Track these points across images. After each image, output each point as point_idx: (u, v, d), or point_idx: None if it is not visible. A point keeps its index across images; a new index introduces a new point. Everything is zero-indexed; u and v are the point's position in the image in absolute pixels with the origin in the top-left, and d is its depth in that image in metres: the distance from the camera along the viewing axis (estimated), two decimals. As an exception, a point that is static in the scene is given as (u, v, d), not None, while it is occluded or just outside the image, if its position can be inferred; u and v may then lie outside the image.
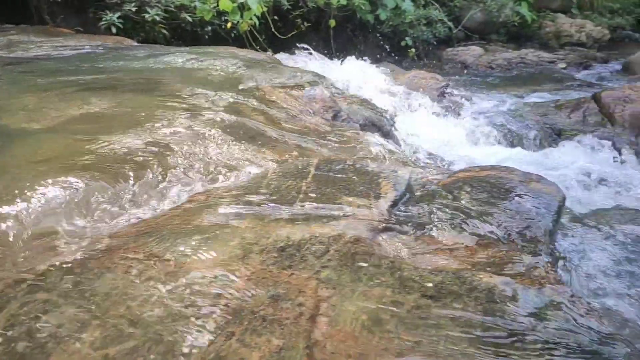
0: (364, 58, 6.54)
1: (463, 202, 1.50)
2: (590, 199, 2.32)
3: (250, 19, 5.38)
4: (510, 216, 1.45)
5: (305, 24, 6.64)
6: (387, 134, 2.90)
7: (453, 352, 0.90)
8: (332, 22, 6.58)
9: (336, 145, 1.96)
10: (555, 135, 3.53)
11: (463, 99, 4.13)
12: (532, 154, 3.15)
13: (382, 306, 1.01)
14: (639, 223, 1.84)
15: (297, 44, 5.53)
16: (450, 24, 7.62)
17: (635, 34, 8.79)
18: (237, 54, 3.58)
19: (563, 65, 7.40)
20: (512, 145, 3.27)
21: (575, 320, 0.97)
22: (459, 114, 3.66)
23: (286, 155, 1.79)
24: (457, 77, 6.89)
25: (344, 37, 7.42)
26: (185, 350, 0.88)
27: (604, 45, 8.07)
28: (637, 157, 3.74)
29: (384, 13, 6.59)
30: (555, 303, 1.00)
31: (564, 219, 1.81)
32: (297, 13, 6.58)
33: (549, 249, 1.35)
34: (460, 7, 7.76)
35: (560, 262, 1.36)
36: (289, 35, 5.87)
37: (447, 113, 3.62)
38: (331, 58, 5.28)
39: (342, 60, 4.86)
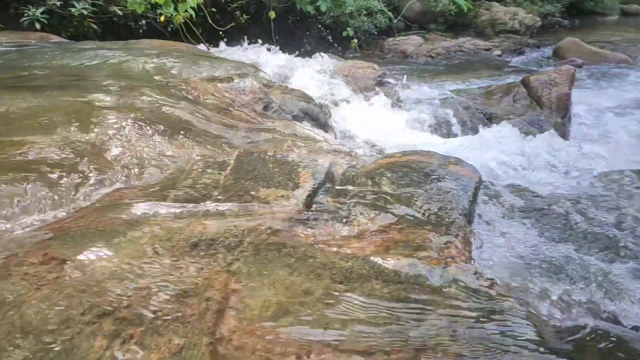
0: (306, 49, 6.53)
1: (383, 187, 1.52)
2: (514, 180, 2.42)
3: (186, 11, 5.22)
4: (428, 199, 1.48)
5: (245, 16, 6.54)
6: (322, 124, 2.91)
7: (359, 336, 0.91)
8: (272, 14, 6.50)
9: (263, 137, 1.94)
10: (486, 120, 3.65)
11: (400, 88, 4.19)
12: (464, 138, 3.24)
13: (292, 296, 1.00)
14: (557, 202, 1.92)
15: (240, 37, 5.42)
16: (390, 14, 7.72)
17: (565, 20, 9.24)
18: (169, 47, 3.47)
19: (498, 52, 7.67)
20: (445, 131, 3.36)
21: (476, 294, 1.00)
22: (395, 102, 3.72)
23: (209, 149, 1.75)
24: (398, 66, 7.01)
25: (286, 29, 7.36)
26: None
27: (536, 31, 8.43)
28: (563, 137, 3.94)
29: (324, 4, 6.58)
30: (458, 280, 1.03)
31: (486, 199, 1.87)
32: (236, 5, 6.47)
33: (464, 228, 1.39)
34: (399, -3, 7.88)
35: (476, 241, 1.40)
36: (226, 27, 5.75)
37: (384, 101, 3.66)
38: (273, 50, 5.23)
39: (281, 52, 4.80)
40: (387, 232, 1.28)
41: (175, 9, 5.23)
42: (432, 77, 6.18)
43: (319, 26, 7.22)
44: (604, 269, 1.51)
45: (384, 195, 1.46)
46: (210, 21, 5.68)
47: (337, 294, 1.00)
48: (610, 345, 1.01)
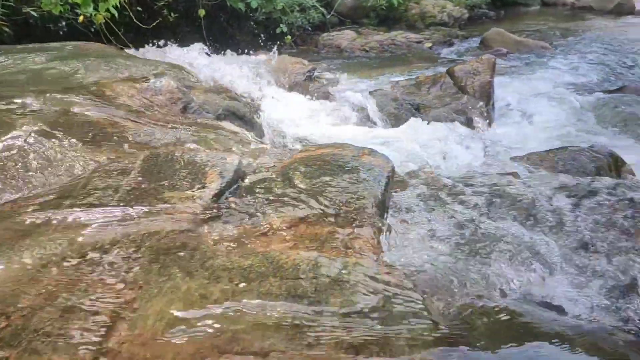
0: (239, 47, 6.42)
1: (296, 182, 1.51)
2: (436, 166, 2.48)
3: (107, 10, 4.99)
4: (340, 191, 1.48)
5: (173, 14, 6.34)
6: (248, 122, 2.86)
7: (254, 337, 0.89)
8: (202, 12, 6.34)
9: (176, 137, 1.88)
10: (414, 110, 3.74)
11: (331, 82, 4.22)
12: (392, 129, 3.30)
13: (188, 302, 0.97)
14: (471, 185, 1.98)
15: (170, 37, 5.24)
16: (322, 9, 7.74)
17: (490, 12, 9.63)
18: (85, 49, 3.30)
19: (429, 44, 7.88)
20: (373, 122, 3.41)
21: (374, 282, 1.01)
22: (326, 97, 3.73)
23: (116, 152, 1.67)
24: (333, 61, 7.05)
25: (218, 27, 7.21)
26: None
27: (464, 23, 8.73)
28: (488, 123, 4.11)
29: (254, 1, 6.50)
30: (357, 270, 1.03)
31: (404, 186, 1.90)
32: (163, 3, 6.25)
33: (375, 218, 1.41)
34: (332, -7, 7.92)
35: (388, 229, 1.42)
36: (151, 26, 5.55)
37: (313, 96, 3.67)
38: (203, 49, 5.10)
39: (212, 51, 4.69)
40: (296, 227, 1.27)
41: (96, 8, 4.99)
42: (366, 71, 6.26)
43: (252, 23, 7.13)
44: (514, 247, 1.57)
45: (295, 190, 1.45)
46: (135, 20, 5.46)
47: (233, 295, 0.97)
48: (500, 321, 1.05)
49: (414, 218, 1.61)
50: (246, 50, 5.87)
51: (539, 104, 4.73)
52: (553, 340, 1.07)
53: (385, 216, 1.53)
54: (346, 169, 1.59)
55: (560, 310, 1.24)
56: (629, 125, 4.07)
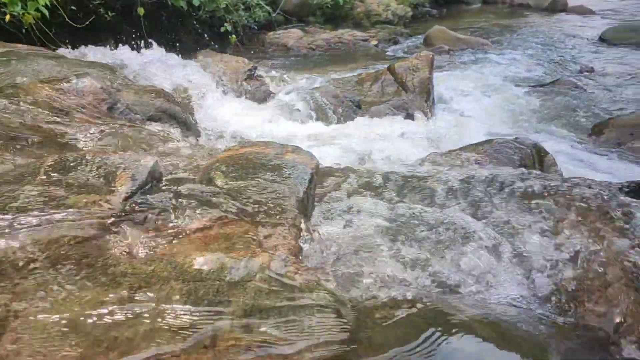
0: (183, 47, 6.26)
1: (216, 182, 1.48)
2: (370, 162, 2.51)
3: (37, 10, 4.74)
4: (260, 190, 1.46)
5: (110, 13, 6.11)
6: (182, 123, 2.79)
7: (149, 344, 0.86)
8: (141, 11, 6.15)
9: (96, 139, 1.80)
10: (355, 107, 3.77)
11: (274, 80, 4.19)
12: (333, 126, 3.31)
13: (82, 311, 0.92)
14: (402, 183, 1.98)
15: (109, 37, 5.05)
16: (268, 8, 7.68)
17: (434, 10, 9.87)
18: (5, 49, 3.12)
19: (375, 42, 7.98)
20: (313, 120, 3.41)
21: (280, 280, 1.00)
22: (266, 95, 3.70)
23: (26, 157, 1.58)
24: (280, 59, 7.02)
25: (160, 26, 7.02)
26: None
27: (408, 21, 8.91)
28: (427, 118, 4.20)
29: (196, -2, 6.36)
30: (264, 270, 1.02)
31: (336, 182, 1.90)
32: (99, 2, 6.01)
33: (295, 216, 1.40)
34: (276, -9, 7.87)
35: (310, 227, 1.42)
36: (84, 25, 5.33)
37: (254, 95, 3.64)
38: (142, 49, 4.94)
39: (151, 50, 4.55)
40: (209, 228, 1.24)
41: (25, 7, 4.73)
42: (312, 69, 6.26)
43: (195, 22, 6.98)
44: (435, 237, 1.59)
45: (214, 191, 1.42)
46: (68, 20, 5.22)
47: (132, 302, 0.94)
48: (411, 312, 1.06)
49: (339, 214, 1.61)
50: (189, 50, 5.74)
51: (477, 99, 4.89)
52: (461, 328, 1.09)
53: (308, 213, 1.53)
54: (268, 167, 1.57)
55: (472, 295, 1.28)
56: (558, 118, 4.27)
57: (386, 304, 1.11)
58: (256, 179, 1.50)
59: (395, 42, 8.13)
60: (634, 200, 1.57)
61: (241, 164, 1.58)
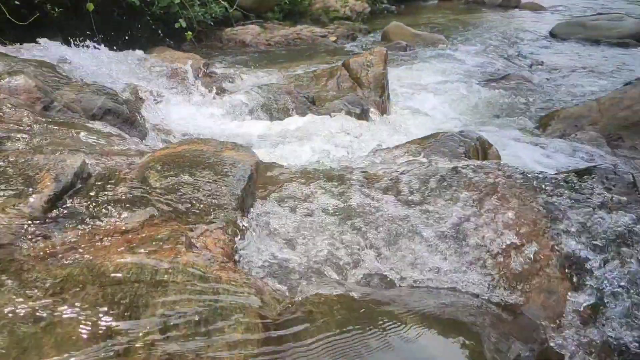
0: (138, 44, 6.08)
1: (150, 182, 1.44)
2: (320, 159, 2.49)
3: (-25, 5, 4.51)
4: (196, 189, 1.43)
5: (58, 9, 5.88)
6: (128, 121, 2.71)
7: (59, 351, 0.82)
8: (90, 6, 5.94)
9: (24, 139, 1.72)
10: (309, 103, 3.75)
11: (227, 77, 4.13)
12: (284, 122, 3.28)
13: (-10, 319, 0.87)
14: (346, 178, 1.96)
15: (57, 34, 4.84)
16: (225, 3, 7.55)
17: (392, 6, 9.96)
18: None
19: (334, 38, 7.98)
20: (268, 117, 3.37)
21: (205, 278, 0.97)
22: (218, 92, 3.63)
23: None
24: (237, 56, 6.92)
25: (112, 23, 6.80)
26: None
27: (366, 17, 8.95)
28: (382, 113, 4.23)
29: (148, -6, 6.19)
30: (188, 269, 0.99)
31: (279, 179, 1.87)
32: (44, -3, 5.77)
33: (230, 214, 1.37)
34: (234, -14, 7.75)
35: (245, 225, 1.39)
36: (27, 22, 5.10)
37: (206, 92, 3.57)
38: (91, 46, 4.77)
39: (102, 48, 4.38)
40: (137, 230, 1.20)
41: (-39, 2, 4.49)
42: (270, 65, 6.20)
43: (148, 19, 6.79)
44: (374, 230, 1.59)
45: (147, 190, 1.37)
46: (9, 16, 4.99)
47: (44, 308, 0.89)
48: (341, 307, 1.06)
49: (278, 210, 1.59)
50: (143, 47, 5.58)
51: (432, 93, 4.96)
52: (393, 319, 1.10)
53: (246, 210, 1.50)
54: (206, 165, 1.54)
55: (407, 286, 1.29)
56: (508, 111, 4.39)
57: (318, 298, 1.10)
58: (192, 177, 1.47)
59: (354, 38, 8.15)
60: (566, 189, 1.61)
61: (178, 162, 1.54)
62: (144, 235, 1.16)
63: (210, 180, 1.47)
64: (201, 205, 1.37)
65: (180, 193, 1.39)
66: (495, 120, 4.15)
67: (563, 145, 3.30)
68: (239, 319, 0.89)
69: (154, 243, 1.12)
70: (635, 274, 1.30)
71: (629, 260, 1.33)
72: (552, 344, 1.22)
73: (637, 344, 1.20)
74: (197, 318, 0.88)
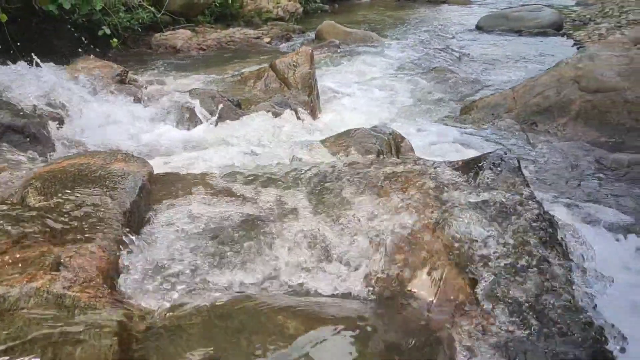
0: (60, 54, 5.79)
1: (27, 201, 1.36)
2: (233, 165, 2.46)
3: None
4: (78, 205, 1.36)
5: (-35, 20, 5.52)
6: (32, 137, 2.57)
7: None
8: (4, 17, 5.62)
9: None
10: (234, 107, 3.70)
11: (150, 84, 4.01)
12: (206, 129, 3.22)
13: None
14: (256, 182, 1.92)
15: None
16: (152, 8, 7.35)
17: (325, 5, 10.02)
18: None
19: (267, 39, 7.94)
20: (188, 122, 3.29)
21: (60, 302, 0.92)
22: (140, 100, 3.52)
23: None
24: (168, 61, 6.74)
25: (30, 32, 6.46)
26: None
27: (300, 17, 8.96)
28: (312, 113, 4.24)
29: (66, 1, 5.91)
30: (42, 294, 0.94)
31: (178, 189, 1.81)
32: (-51, 8, 5.41)
33: (115, 229, 1.32)
34: (159, -9, 7.55)
35: (132, 238, 1.34)
36: None
37: (124, 100, 3.44)
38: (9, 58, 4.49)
39: (15, 59, 4.14)
40: (3, 254, 1.12)
41: None
42: (201, 70, 6.08)
43: (69, 27, 6.50)
44: (274, 237, 1.56)
45: (22, 210, 1.30)
46: None
47: None
48: (219, 316, 1.03)
49: (173, 220, 1.54)
50: (67, 56, 5.33)
51: (361, 90, 5.03)
52: (274, 326, 1.08)
53: (137, 224, 1.45)
54: (91, 179, 1.47)
55: (293, 289, 1.28)
56: (434, 102, 4.51)
57: (196, 311, 1.07)
58: (74, 194, 1.40)
59: (288, 39, 8.14)
60: (458, 177, 1.66)
61: (60, 178, 1.46)
62: (9, 259, 1.09)
63: (95, 195, 1.40)
64: (82, 223, 1.30)
65: (58, 211, 1.32)
66: (421, 112, 4.25)
67: (481, 134, 3.43)
68: (92, 342, 0.85)
69: (18, 267, 1.06)
70: (518, 252, 1.35)
71: (513, 241, 1.38)
72: (439, 329, 1.25)
73: (521, 324, 1.25)
74: (45, 344, 0.83)
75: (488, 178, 1.58)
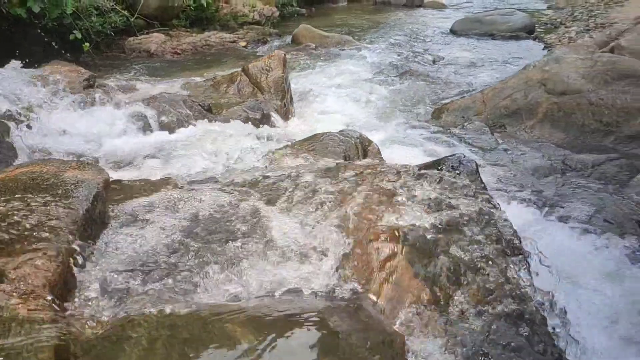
0: (31, 59, 5.68)
1: (-25, 212, 1.32)
2: (200, 171, 2.43)
3: None
4: (28, 215, 1.33)
5: None
6: (-8, 143, 2.51)
7: None
8: (-31, 21, 5.48)
9: None
10: (205, 111, 3.67)
11: (120, 89, 3.95)
12: (176, 134, 3.17)
13: None
14: (221, 189, 1.90)
15: None
16: (125, 12, 7.25)
17: (302, 9, 10.04)
18: None
19: (244, 43, 7.92)
20: (159, 129, 3.25)
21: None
22: (108, 106, 3.45)
23: None
24: (142, 65, 6.66)
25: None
26: None
27: (277, 21, 8.95)
28: (285, 117, 4.23)
29: (35, 5, 5.80)
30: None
31: (139, 196, 1.78)
32: None
33: (66, 240, 1.29)
34: (133, -6, 7.46)
35: (83, 249, 1.32)
36: None
37: (92, 106, 3.38)
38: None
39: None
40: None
41: None
42: (175, 74, 6.03)
43: (39, 31, 6.38)
44: (237, 245, 1.55)
45: (-33, 222, 1.26)
46: None
47: None
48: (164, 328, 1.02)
49: (130, 231, 1.51)
50: (38, 61, 5.22)
51: (336, 94, 5.04)
52: (229, 335, 1.07)
53: (91, 233, 1.42)
54: (43, 188, 1.44)
55: (249, 296, 1.27)
56: (407, 105, 4.55)
57: (145, 322, 1.05)
58: (25, 203, 1.36)
59: (264, 43, 8.13)
60: (422, 179, 1.67)
61: (10, 187, 1.43)
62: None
63: (46, 204, 1.37)
64: (32, 232, 1.27)
65: (7, 221, 1.29)
66: (394, 115, 4.28)
67: (450, 137, 3.46)
68: (28, 356, 0.83)
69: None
70: (472, 255, 1.36)
71: (467, 243, 1.40)
72: (395, 331, 1.25)
73: (471, 327, 1.26)
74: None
75: (446, 181, 1.60)
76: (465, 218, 1.45)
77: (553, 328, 1.25)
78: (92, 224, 1.44)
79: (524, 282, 1.31)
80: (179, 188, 1.92)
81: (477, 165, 1.65)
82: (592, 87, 3.44)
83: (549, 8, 10.10)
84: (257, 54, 7.65)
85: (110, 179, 1.86)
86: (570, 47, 5.05)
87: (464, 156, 1.69)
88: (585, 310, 1.82)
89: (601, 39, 5.29)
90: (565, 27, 7.59)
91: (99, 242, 1.42)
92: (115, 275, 1.30)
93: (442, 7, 10.30)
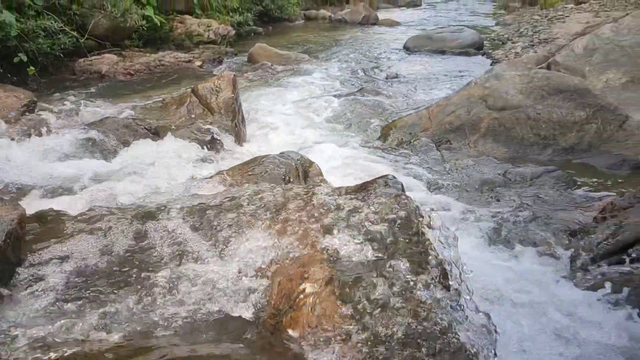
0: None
1: None
2: (139, 199, 2.37)
3: None
4: None
5: None
6: None
7: None
8: None
9: None
10: (152, 134, 3.61)
11: (61, 114, 3.84)
12: (118, 160, 3.10)
13: None
14: (145, 220, 1.84)
15: None
16: (74, 33, 7.09)
17: (259, 28, 10.09)
18: None
19: (199, 62, 7.87)
20: (99, 156, 3.15)
21: None
22: (42, 132, 3.33)
23: None
24: (92, 88, 6.51)
25: (-63, 60, 6.07)
26: None
27: (232, 40, 8.95)
28: (237, 138, 4.20)
29: (-25, 28, 5.60)
30: None
31: (61, 233, 1.72)
32: None
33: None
34: (82, 15, 7.31)
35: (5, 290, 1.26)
36: None
37: (30, 133, 3.27)
38: None
39: None
40: None
41: None
42: (125, 96, 5.92)
43: (-19, 53, 6.15)
44: (164, 275, 1.51)
45: None
46: None
47: None
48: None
49: (54, 265, 1.46)
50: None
51: (288, 113, 5.06)
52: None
53: (2, 274, 1.36)
54: (-52, 227, 1.37)
55: (172, 326, 1.24)
56: (358, 124, 4.60)
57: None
58: None
59: (220, 62, 8.10)
60: (353, 200, 1.68)
61: None
62: None
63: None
64: None
65: None
66: (344, 134, 4.32)
67: (396, 154, 3.52)
68: None
69: None
70: (395, 278, 1.37)
71: (393, 264, 1.41)
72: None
73: (393, 352, 1.26)
74: None
75: (374, 202, 1.61)
76: (390, 239, 1.47)
77: (477, 353, 1.26)
78: (4, 265, 1.38)
79: (445, 306, 1.32)
80: (104, 219, 1.86)
81: (402, 185, 1.68)
82: (529, 102, 3.58)
83: (497, 24, 10.51)
84: (213, 73, 7.61)
85: (38, 211, 1.80)
86: (508, 63, 5.25)
87: (393, 177, 1.72)
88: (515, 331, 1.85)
89: (542, 54, 5.53)
90: (512, 43, 7.90)
91: (11, 285, 1.35)
92: (30, 322, 1.24)
93: (396, 24, 10.56)
